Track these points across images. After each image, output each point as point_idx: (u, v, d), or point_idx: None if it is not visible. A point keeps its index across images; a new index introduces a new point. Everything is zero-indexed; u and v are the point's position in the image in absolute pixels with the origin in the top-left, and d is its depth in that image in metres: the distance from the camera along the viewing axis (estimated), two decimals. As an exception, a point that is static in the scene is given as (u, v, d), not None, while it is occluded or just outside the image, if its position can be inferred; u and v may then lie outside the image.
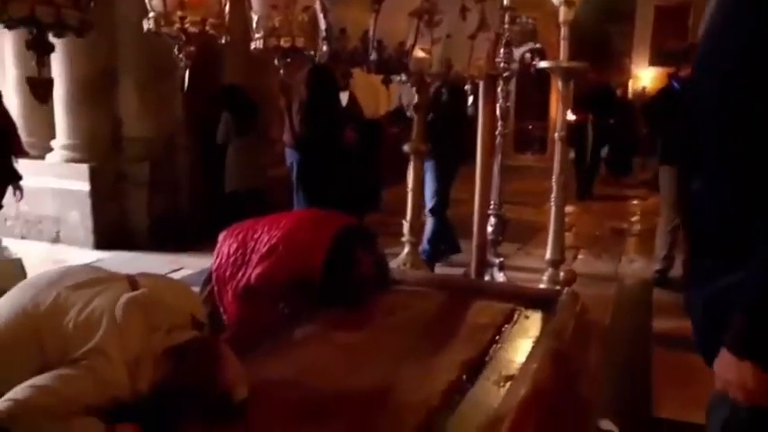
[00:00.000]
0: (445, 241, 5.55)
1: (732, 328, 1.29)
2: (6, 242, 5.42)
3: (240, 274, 3.10)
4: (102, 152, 5.98)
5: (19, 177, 4.58)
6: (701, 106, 1.35)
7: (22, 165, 5.78)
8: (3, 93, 4.60)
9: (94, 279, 2.06)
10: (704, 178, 1.35)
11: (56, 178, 5.91)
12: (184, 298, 2.20)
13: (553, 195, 3.82)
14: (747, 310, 1.27)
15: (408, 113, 5.07)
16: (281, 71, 2.60)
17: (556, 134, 3.82)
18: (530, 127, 15.93)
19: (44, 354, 1.88)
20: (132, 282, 2.08)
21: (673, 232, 5.21)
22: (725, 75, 1.27)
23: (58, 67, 5.94)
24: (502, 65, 4.09)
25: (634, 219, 8.44)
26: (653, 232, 7.32)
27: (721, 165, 1.30)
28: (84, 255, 5.53)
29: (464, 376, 2.33)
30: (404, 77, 3.48)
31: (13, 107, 5.74)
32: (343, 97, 5.38)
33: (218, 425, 1.91)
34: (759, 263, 1.25)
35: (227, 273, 3.14)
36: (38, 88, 1.78)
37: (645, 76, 14.75)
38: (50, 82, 1.81)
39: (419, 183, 4.08)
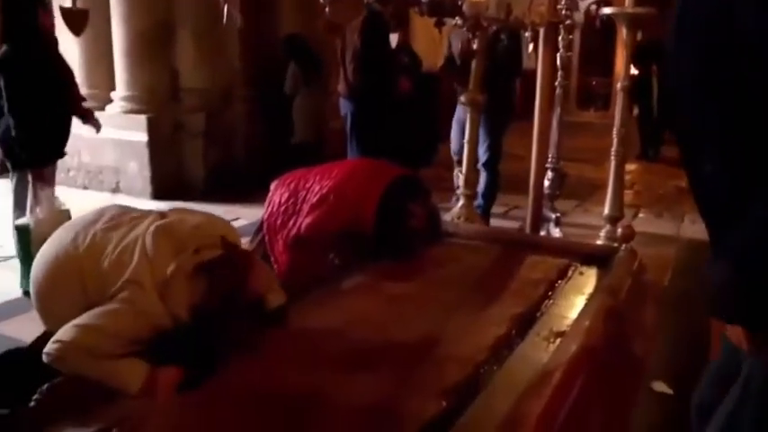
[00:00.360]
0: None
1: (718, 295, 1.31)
2: (69, 192, 5.55)
3: (291, 223, 3.09)
4: (159, 103, 6.04)
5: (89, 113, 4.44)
6: (692, 87, 1.26)
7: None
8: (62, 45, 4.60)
9: (128, 217, 2.09)
10: (715, 160, 1.27)
11: (115, 129, 6.00)
12: (214, 223, 2.21)
13: (613, 149, 3.68)
14: (733, 272, 1.27)
15: (458, 62, 4.95)
16: (327, 10, 2.51)
17: (618, 85, 3.67)
18: (593, 83, 15.46)
19: (86, 293, 1.93)
20: (162, 215, 2.11)
21: None
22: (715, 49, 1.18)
23: (117, 20, 6.00)
24: (564, 12, 3.92)
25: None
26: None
27: (731, 143, 1.22)
28: (142, 205, 5.57)
29: (513, 331, 2.28)
30: (459, 22, 3.36)
31: (75, 60, 5.84)
32: (393, 39, 5.24)
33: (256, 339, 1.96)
34: (749, 225, 1.23)
35: (278, 222, 3.14)
36: (72, 19, 1.75)
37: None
38: (85, 13, 1.79)
39: (475, 135, 3.98)
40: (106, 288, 1.89)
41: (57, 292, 2.03)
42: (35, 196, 3.65)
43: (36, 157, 3.85)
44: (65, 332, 1.79)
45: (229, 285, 1.91)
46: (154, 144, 5.91)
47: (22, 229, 3.00)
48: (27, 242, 2.85)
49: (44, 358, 1.78)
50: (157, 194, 5.92)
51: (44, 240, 2.20)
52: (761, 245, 1.24)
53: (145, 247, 1.92)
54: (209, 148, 6.16)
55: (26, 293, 2.27)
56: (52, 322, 2.10)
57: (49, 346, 1.78)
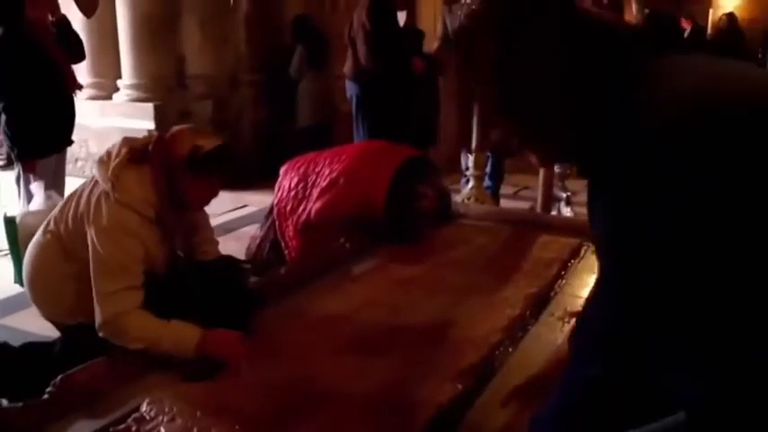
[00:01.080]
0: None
1: None
2: (77, 182, 5.52)
3: (301, 208, 3.08)
4: (166, 91, 6.00)
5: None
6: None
7: (89, 107, 5.90)
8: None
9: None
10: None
11: (122, 118, 5.96)
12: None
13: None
14: None
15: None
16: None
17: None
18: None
19: (69, 259, 2.10)
20: None
21: None
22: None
23: (122, 7, 5.95)
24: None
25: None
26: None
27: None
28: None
29: (527, 312, 2.26)
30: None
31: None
32: (401, 17, 5.17)
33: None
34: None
35: (288, 207, 3.12)
36: (83, 1, 1.73)
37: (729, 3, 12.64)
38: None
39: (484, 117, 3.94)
40: (83, 240, 2.00)
41: (43, 271, 2.17)
42: (26, 189, 3.62)
43: (26, 148, 3.76)
44: (103, 309, 1.91)
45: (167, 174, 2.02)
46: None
47: (8, 222, 2.97)
48: (13, 235, 2.83)
49: (107, 337, 1.91)
50: (166, 183, 5.91)
51: (31, 234, 2.25)
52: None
53: (92, 185, 2.08)
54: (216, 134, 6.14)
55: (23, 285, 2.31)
56: (50, 306, 2.22)
57: (105, 328, 1.91)
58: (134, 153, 2.06)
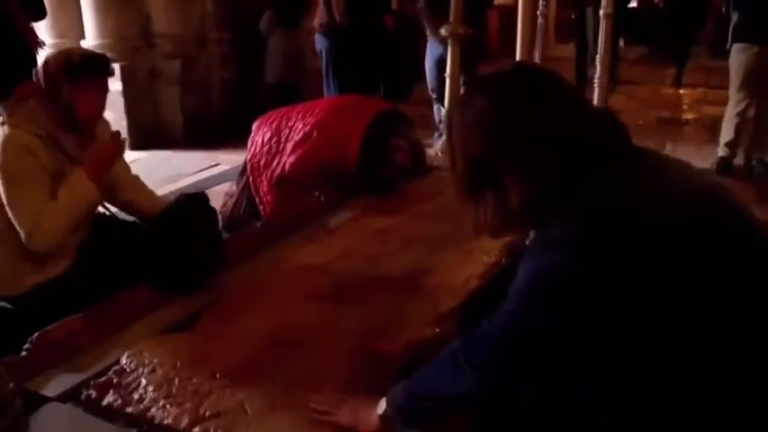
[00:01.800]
0: None
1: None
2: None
3: (275, 162, 3.06)
4: (132, 51, 5.86)
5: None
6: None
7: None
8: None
9: None
10: None
11: (88, 79, 5.85)
12: None
13: (597, 77, 3.63)
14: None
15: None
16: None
17: (600, 12, 3.60)
18: (572, 16, 15.23)
19: None
20: None
21: (740, 116, 4.95)
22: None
23: (82, -36, 5.78)
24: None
25: (684, 107, 8.13)
26: (700, 122, 7.09)
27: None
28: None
29: (503, 259, 2.28)
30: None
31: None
32: None
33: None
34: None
35: (262, 162, 3.10)
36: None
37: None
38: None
39: (457, 69, 3.92)
40: None
41: None
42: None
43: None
44: (22, 221, 2.07)
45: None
46: (129, 93, 5.75)
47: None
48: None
49: (40, 248, 2.08)
50: (136, 144, 5.78)
51: None
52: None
53: None
54: (185, 94, 6.03)
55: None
56: None
57: (33, 237, 2.07)
58: (22, 91, 2.23)
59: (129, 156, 5.47)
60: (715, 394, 1.06)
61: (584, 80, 8.39)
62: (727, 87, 5.20)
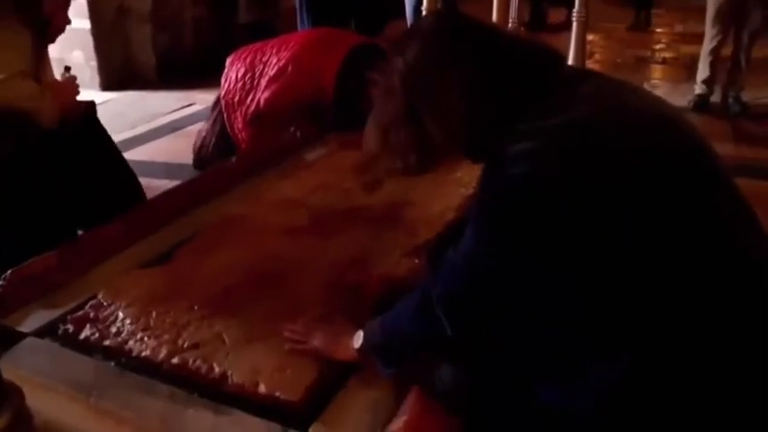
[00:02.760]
0: None
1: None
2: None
3: (249, 98, 3.00)
4: (100, -14, 5.69)
5: None
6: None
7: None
8: None
9: None
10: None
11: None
12: None
13: (575, 11, 3.58)
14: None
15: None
16: None
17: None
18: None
19: None
20: None
21: (714, 52, 4.92)
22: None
23: None
24: None
25: (662, 46, 8.09)
26: (679, 60, 7.07)
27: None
28: (92, 96, 5.38)
29: (480, 190, 2.28)
30: None
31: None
32: None
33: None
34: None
35: (236, 98, 3.04)
36: None
37: None
38: None
39: (433, 3, 3.84)
40: None
41: None
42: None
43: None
44: None
45: None
46: (98, 31, 5.59)
47: None
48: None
49: None
50: (107, 85, 5.66)
51: None
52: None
53: None
54: (157, 33, 5.88)
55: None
56: None
57: None
58: None
59: (101, 96, 5.40)
60: (682, 329, 1.05)
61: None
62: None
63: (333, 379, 1.36)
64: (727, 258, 1.07)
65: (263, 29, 5.52)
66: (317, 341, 1.40)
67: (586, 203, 1.05)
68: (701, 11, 5.49)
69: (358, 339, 1.33)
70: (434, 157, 1.28)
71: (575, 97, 1.14)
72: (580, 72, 1.24)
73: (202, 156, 3.26)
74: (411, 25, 1.43)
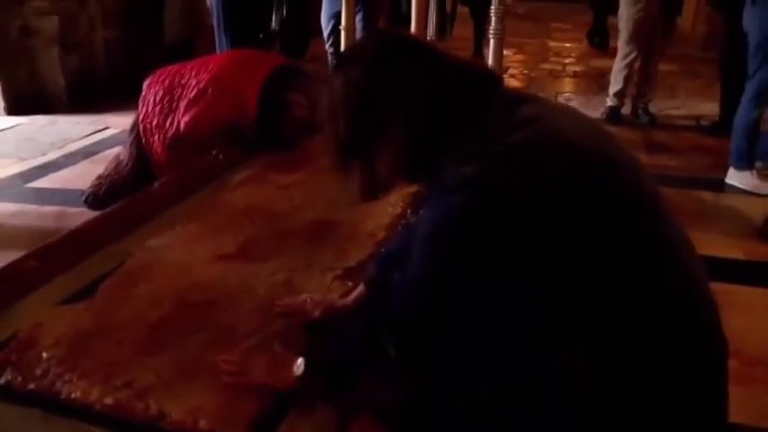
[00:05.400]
0: None
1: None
2: None
3: (168, 122, 2.93)
4: (0, 6, 5.46)
5: None
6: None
7: None
8: None
9: None
10: None
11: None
12: None
13: (492, 28, 3.67)
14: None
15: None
16: None
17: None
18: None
19: None
20: None
21: (628, 67, 5.15)
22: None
23: None
24: None
25: (572, 60, 8.37)
26: (588, 74, 7.34)
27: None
28: (-1, 121, 5.18)
29: (408, 209, 2.29)
30: None
31: None
32: None
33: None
34: None
35: (155, 122, 2.97)
36: None
37: None
38: None
39: (351, 21, 3.87)
40: None
41: None
42: None
43: None
44: None
45: None
46: (0, 53, 5.38)
47: None
48: None
49: None
50: (14, 109, 5.42)
51: None
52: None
53: None
54: (66, 55, 5.68)
55: None
56: None
57: None
58: None
59: (8, 121, 5.18)
60: (634, 338, 1.09)
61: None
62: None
63: (274, 409, 1.33)
64: (669, 267, 1.12)
65: (184, 50, 5.42)
66: (255, 371, 1.37)
67: (530, 223, 1.07)
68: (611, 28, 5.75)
69: (299, 367, 1.31)
70: (380, 183, 1.28)
71: (516, 119, 1.16)
72: (520, 95, 1.27)
73: (112, 182, 3.15)
74: (352, 44, 1.44)
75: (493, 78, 1.27)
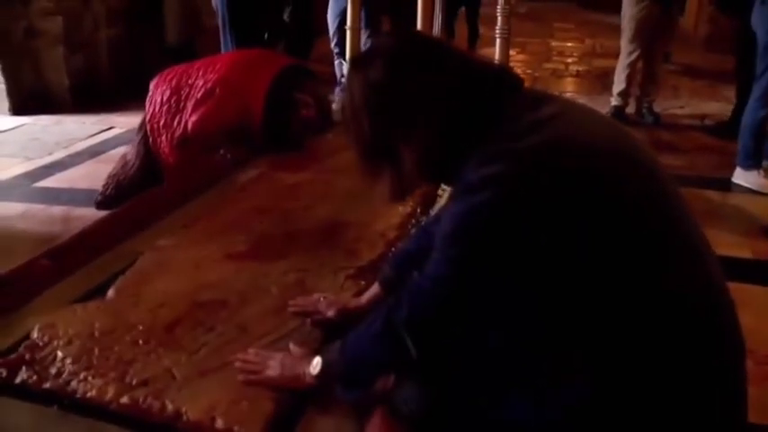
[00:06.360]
0: None
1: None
2: None
3: (175, 122, 2.93)
4: (4, 7, 5.46)
5: None
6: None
7: None
8: None
9: None
10: None
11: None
12: None
13: (498, 27, 3.67)
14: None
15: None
16: None
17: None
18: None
19: None
20: None
21: (631, 66, 5.15)
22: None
23: None
24: None
25: (575, 59, 8.36)
26: (591, 73, 7.33)
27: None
28: (3, 120, 5.17)
29: (418, 209, 2.30)
30: None
31: None
32: None
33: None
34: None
35: (162, 122, 2.97)
36: None
37: None
38: None
39: (357, 21, 3.86)
40: None
41: None
42: None
43: None
44: None
45: None
46: (5, 53, 5.38)
47: None
48: None
49: None
50: (19, 109, 5.43)
51: None
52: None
53: None
54: (70, 55, 5.68)
55: None
56: None
57: None
58: None
59: (13, 121, 5.18)
60: (643, 344, 1.09)
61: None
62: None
63: (291, 408, 1.33)
64: (686, 268, 1.12)
65: (185, 50, 5.43)
66: (271, 370, 1.38)
67: (552, 225, 1.07)
68: (613, 28, 5.75)
69: (316, 366, 1.31)
70: (406, 182, 1.28)
71: (537, 120, 1.16)
72: (540, 95, 1.26)
73: (119, 182, 3.15)
74: (371, 45, 1.45)
75: (513, 78, 1.27)
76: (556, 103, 1.23)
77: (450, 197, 1.22)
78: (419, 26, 3.91)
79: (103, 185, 3.21)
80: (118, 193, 3.12)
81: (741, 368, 1.16)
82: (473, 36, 7.48)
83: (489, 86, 1.21)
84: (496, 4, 3.57)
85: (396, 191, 1.30)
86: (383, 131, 1.22)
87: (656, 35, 5.06)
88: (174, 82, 2.96)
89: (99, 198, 3.19)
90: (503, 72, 1.28)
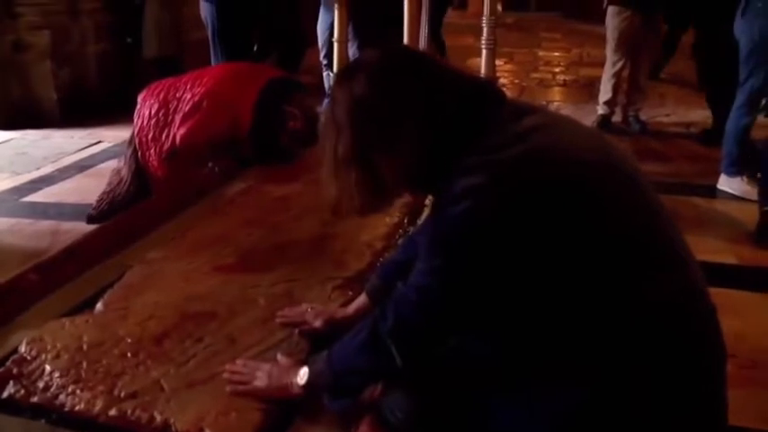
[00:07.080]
0: None
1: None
2: None
3: (164, 135, 2.94)
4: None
5: None
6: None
7: None
8: None
9: None
10: None
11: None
12: None
13: (483, 39, 3.70)
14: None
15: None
16: None
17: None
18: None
19: None
20: None
21: (616, 76, 5.20)
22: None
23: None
24: None
25: (562, 69, 8.42)
26: (578, 82, 7.39)
27: None
28: (-8, 135, 5.17)
29: (405, 219, 2.31)
30: None
31: None
32: None
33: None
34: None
35: (150, 135, 2.97)
36: None
37: None
38: None
39: (343, 33, 3.89)
40: None
41: None
42: None
43: None
44: None
45: None
46: (-8, 68, 5.39)
47: None
48: None
49: None
50: (7, 124, 5.42)
51: None
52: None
53: None
54: (58, 69, 5.68)
55: None
56: None
57: None
58: None
59: (1, 135, 5.17)
60: (631, 355, 1.11)
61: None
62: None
63: (279, 418, 1.34)
64: (667, 275, 1.14)
65: (170, 64, 5.44)
66: (259, 381, 1.39)
67: (533, 234, 1.09)
68: (600, 37, 5.79)
69: (303, 376, 1.32)
70: (385, 194, 1.28)
71: (519, 131, 1.18)
72: (523, 107, 1.28)
73: (113, 197, 3.15)
74: (356, 58, 1.46)
75: (496, 91, 1.29)
76: (538, 115, 1.25)
77: (433, 208, 1.23)
78: (405, 39, 3.94)
79: (97, 200, 3.20)
80: (111, 209, 3.12)
81: (722, 373, 1.18)
82: (440, 47, 7.56)
83: (472, 99, 1.23)
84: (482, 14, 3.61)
85: (369, 203, 1.30)
86: (366, 144, 1.23)
87: (639, 45, 5.12)
88: (161, 95, 2.97)
89: (92, 213, 3.18)
90: (486, 85, 1.30)
